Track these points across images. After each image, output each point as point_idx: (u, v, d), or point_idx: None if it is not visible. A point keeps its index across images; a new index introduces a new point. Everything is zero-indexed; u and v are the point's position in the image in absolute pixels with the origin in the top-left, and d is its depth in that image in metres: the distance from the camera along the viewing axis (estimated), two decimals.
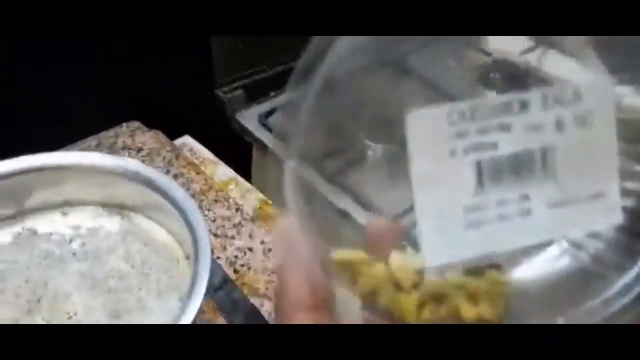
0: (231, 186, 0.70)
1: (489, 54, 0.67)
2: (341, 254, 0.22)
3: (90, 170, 0.49)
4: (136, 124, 0.76)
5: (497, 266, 0.24)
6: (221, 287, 0.55)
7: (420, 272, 0.23)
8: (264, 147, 0.82)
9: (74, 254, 0.46)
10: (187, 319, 0.37)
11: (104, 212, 0.49)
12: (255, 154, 0.85)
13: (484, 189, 0.20)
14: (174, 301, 0.44)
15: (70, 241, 0.47)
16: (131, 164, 0.48)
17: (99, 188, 0.50)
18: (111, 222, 0.48)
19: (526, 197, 0.20)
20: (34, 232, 0.48)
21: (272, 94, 0.89)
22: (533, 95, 0.20)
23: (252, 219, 0.63)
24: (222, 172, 0.73)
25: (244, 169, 0.76)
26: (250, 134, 0.84)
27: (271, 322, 0.53)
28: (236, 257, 0.59)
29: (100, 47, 0.76)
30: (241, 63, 0.88)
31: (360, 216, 0.38)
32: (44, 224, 0.48)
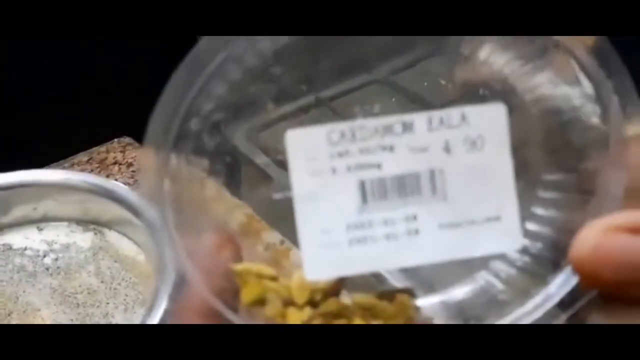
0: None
1: (480, 70, 0.67)
2: (240, 265, 0.22)
3: (69, 187, 0.50)
4: (128, 139, 0.78)
5: (409, 291, 0.24)
6: None
7: (324, 292, 0.23)
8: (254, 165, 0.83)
9: (47, 269, 0.47)
10: None
11: (78, 227, 0.50)
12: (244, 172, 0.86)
13: (369, 208, 0.21)
14: (139, 316, 0.44)
15: (44, 256, 0.48)
16: (106, 182, 0.49)
17: (76, 204, 0.51)
18: (84, 238, 0.50)
19: (414, 217, 0.21)
20: (9, 247, 0.49)
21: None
22: (417, 118, 0.21)
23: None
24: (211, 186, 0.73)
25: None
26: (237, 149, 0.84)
27: None
28: None
29: (95, 62, 0.77)
30: None
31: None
32: (19, 239, 0.50)
